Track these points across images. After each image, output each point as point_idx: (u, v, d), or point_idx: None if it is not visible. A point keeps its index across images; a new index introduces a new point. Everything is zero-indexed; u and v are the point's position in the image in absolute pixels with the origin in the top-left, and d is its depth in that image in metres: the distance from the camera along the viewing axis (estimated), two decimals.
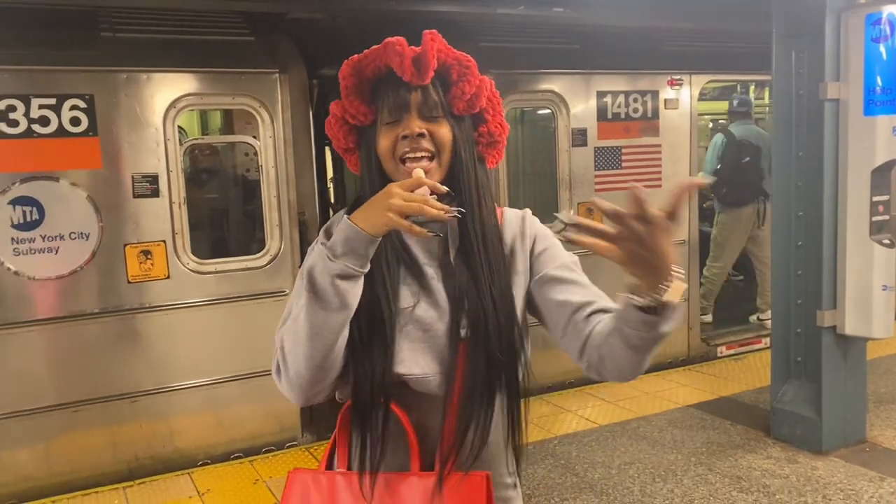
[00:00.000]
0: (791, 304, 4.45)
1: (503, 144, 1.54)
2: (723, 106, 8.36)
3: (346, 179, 6.98)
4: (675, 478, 4.11)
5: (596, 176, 5.74)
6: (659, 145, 5.99)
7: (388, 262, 1.37)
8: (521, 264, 1.46)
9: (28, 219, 4.10)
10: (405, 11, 5.18)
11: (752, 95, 8.35)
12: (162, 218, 4.43)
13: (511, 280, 1.44)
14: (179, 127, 4.78)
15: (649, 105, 5.92)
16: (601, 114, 5.73)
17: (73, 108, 4.15)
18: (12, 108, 4.02)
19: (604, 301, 1.39)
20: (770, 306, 6.94)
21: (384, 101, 1.41)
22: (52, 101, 4.11)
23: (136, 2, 4.72)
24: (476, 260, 1.40)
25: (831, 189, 4.18)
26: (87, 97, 4.19)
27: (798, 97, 4.30)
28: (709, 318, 6.81)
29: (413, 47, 1.39)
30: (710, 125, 9.07)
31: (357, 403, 1.37)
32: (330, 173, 7.02)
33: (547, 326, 1.45)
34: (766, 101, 8.70)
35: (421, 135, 1.38)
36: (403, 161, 1.39)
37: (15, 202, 4.07)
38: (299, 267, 1.43)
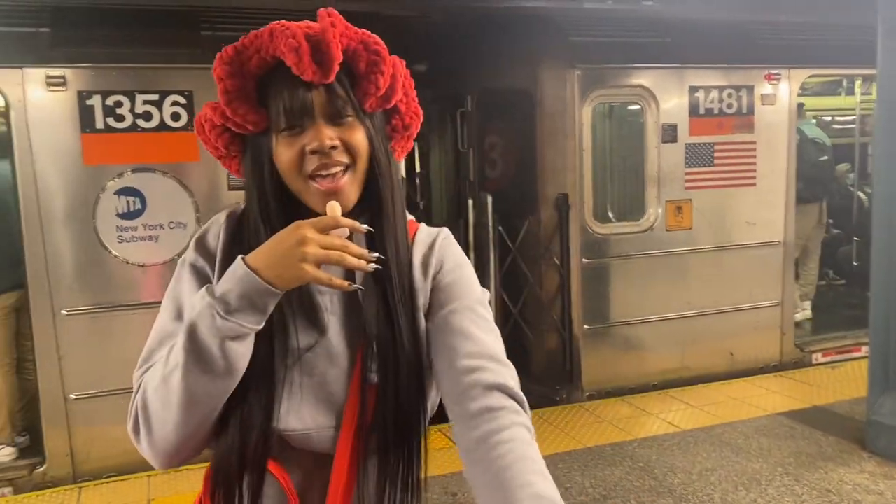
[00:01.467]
0: (891, 312, 4.23)
1: (416, 133, 1.29)
2: (824, 102, 8.02)
3: (430, 174, 7.04)
4: (758, 487, 3.98)
5: (686, 173, 5.61)
6: (754, 142, 5.78)
7: None
8: (423, 297, 1.21)
9: (132, 208, 4.35)
10: (496, 8, 5.19)
11: (857, 90, 7.98)
12: None
13: (415, 315, 1.20)
14: None
15: (744, 100, 5.73)
16: (693, 109, 5.59)
17: (174, 103, 4.36)
18: (119, 104, 4.27)
19: (494, 366, 1.13)
20: (807, 297, 6.83)
21: (278, 103, 1.13)
22: (155, 97, 4.33)
23: (234, 2, 4.91)
24: (390, 289, 1.16)
25: None
26: (186, 93, 4.39)
27: None
28: (799, 315, 6.55)
29: (306, 24, 1.13)
30: None
31: (225, 466, 1.13)
32: (417, 167, 7.09)
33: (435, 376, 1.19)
34: (874, 96, 8.27)
35: (333, 147, 1.12)
36: (314, 178, 1.13)
37: (120, 192, 4.32)
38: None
